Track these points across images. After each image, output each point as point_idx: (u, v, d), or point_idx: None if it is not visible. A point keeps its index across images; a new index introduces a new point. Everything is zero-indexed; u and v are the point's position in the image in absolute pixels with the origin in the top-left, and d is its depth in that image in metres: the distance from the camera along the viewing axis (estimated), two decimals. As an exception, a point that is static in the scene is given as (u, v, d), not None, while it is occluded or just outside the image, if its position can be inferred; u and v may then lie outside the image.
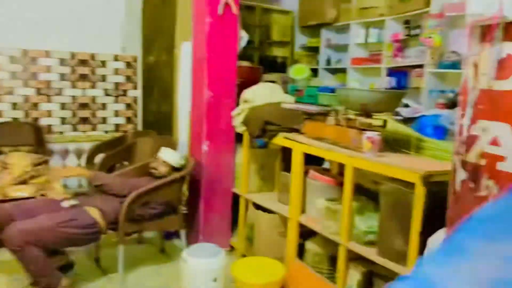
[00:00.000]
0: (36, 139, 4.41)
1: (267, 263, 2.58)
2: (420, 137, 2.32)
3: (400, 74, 4.70)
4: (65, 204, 2.66)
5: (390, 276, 2.05)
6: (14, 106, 4.54)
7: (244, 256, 3.07)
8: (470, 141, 1.21)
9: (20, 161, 3.20)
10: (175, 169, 3.01)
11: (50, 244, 2.45)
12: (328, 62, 5.83)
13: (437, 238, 1.61)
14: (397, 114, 3.13)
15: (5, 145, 4.20)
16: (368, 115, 2.26)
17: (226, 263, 2.58)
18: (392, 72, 4.80)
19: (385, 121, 2.29)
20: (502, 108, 1.12)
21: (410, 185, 1.90)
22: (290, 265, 2.57)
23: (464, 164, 1.23)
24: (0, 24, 4.36)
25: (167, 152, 3.08)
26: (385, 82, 4.81)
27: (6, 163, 3.21)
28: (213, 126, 3.20)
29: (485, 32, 1.15)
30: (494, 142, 1.15)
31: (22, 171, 3.15)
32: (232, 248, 3.31)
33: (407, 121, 3.01)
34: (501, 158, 1.13)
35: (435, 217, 1.79)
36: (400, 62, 4.66)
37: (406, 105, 3.40)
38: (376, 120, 2.27)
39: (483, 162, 1.18)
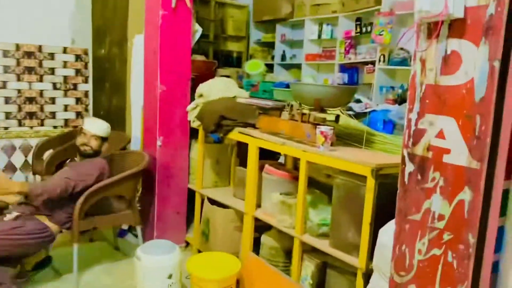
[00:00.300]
0: (-23, 135, 4.16)
1: (223, 258, 2.57)
2: (370, 131, 2.39)
3: (352, 70, 4.82)
4: (8, 217, 2.45)
5: (343, 267, 2.10)
6: (-50, 100, 4.26)
7: (199, 251, 3.04)
8: (418, 134, 1.25)
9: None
10: (103, 139, 2.84)
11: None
12: (283, 57, 5.87)
13: (387, 229, 1.66)
14: (349, 109, 3.20)
15: None
16: (321, 110, 2.30)
17: (181, 259, 2.55)
18: (344, 68, 4.91)
19: (337, 116, 2.34)
20: (448, 102, 1.17)
21: (362, 178, 1.95)
22: (245, 259, 2.58)
23: (412, 156, 1.27)
24: None
25: (93, 123, 2.85)
26: (337, 78, 4.91)
27: None
28: (167, 121, 3.15)
29: (432, 29, 1.20)
30: (440, 135, 1.20)
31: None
32: (187, 244, 3.28)
33: (358, 116, 3.09)
34: (447, 151, 1.18)
35: (385, 209, 1.85)
36: (352, 58, 4.77)
37: (358, 101, 3.49)
38: (329, 115, 2.31)
39: (430, 154, 1.22)
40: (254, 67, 4.58)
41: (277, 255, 2.53)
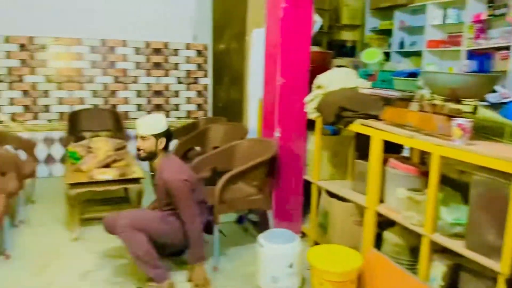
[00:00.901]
0: (115, 125, 4.64)
1: (344, 252, 2.54)
2: (510, 124, 2.16)
3: (482, 57, 4.40)
4: None
5: (480, 270, 1.94)
6: (94, 93, 4.80)
7: (316, 243, 3.04)
8: None
9: (103, 145, 3.38)
10: (158, 136, 2.59)
11: (154, 234, 2.53)
12: (401, 45, 5.58)
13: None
14: (483, 100, 2.93)
15: (87, 130, 4.47)
16: (457, 100, 2.13)
17: (302, 250, 2.57)
18: (472, 55, 4.50)
19: (475, 107, 2.15)
20: None
21: (506, 176, 1.77)
22: (367, 254, 2.52)
23: None
24: (81, 16, 4.61)
25: (140, 124, 2.61)
26: (465, 65, 4.52)
27: (90, 147, 3.40)
28: (285, 113, 3.18)
29: None
30: None
31: (105, 155, 3.32)
32: (303, 235, 3.30)
33: (493, 107, 2.81)
34: None
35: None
36: (482, 44, 4.35)
37: (493, 90, 3.17)
38: (466, 106, 2.13)
39: None
40: (371, 56, 4.42)
41: (401, 253, 2.43)
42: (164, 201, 2.63)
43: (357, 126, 2.67)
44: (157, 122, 2.62)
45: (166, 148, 2.65)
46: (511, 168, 1.72)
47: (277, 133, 3.22)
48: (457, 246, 2.01)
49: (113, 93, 4.79)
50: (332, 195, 2.95)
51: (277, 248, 2.52)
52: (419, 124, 2.28)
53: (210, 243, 2.92)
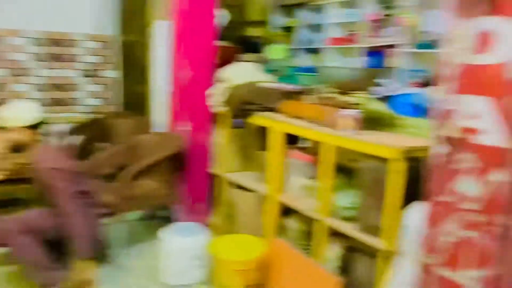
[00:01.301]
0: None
1: (247, 241, 2.60)
2: (395, 115, 2.36)
3: (377, 54, 4.74)
4: None
5: (369, 250, 2.10)
6: (-17, 87, 4.38)
7: (221, 234, 3.08)
8: (449, 115, 1.23)
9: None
10: (35, 124, 2.46)
11: (46, 233, 2.36)
12: (305, 42, 5.82)
13: (413, 211, 1.65)
14: (373, 93, 3.16)
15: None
16: (346, 93, 2.28)
17: (206, 242, 2.59)
18: (368, 52, 4.84)
19: (362, 99, 2.31)
20: (481, 82, 1.15)
21: (388, 161, 1.93)
22: (270, 242, 2.60)
23: (443, 138, 1.26)
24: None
25: (12, 116, 2.42)
26: (362, 62, 4.84)
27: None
28: (193, 106, 3.17)
29: (465, 7, 1.17)
30: (473, 116, 1.17)
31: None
32: (210, 227, 3.32)
33: (382, 99, 3.05)
34: (480, 131, 1.16)
35: (410, 192, 1.84)
36: (377, 42, 4.69)
37: (382, 84, 3.44)
38: (354, 98, 2.29)
39: (462, 135, 1.20)
40: (276, 52, 4.56)
41: (301, 238, 2.55)
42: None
43: (258, 119, 2.74)
44: (27, 112, 2.46)
45: (41, 137, 2.50)
46: (394, 154, 1.88)
47: (184, 127, 3.19)
48: (350, 229, 2.16)
49: (3, 86, 4.41)
50: (238, 187, 3.00)
51: (181, 241, 2.51)
52: (315, 115, 2.40)
53: (113, 240, 2.82)
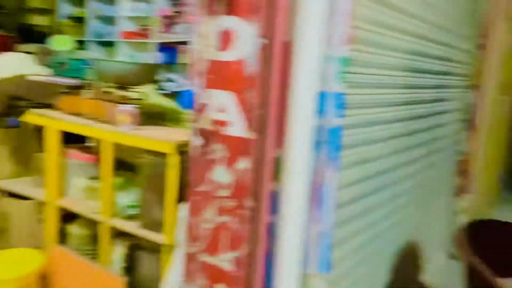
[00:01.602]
0: None
1: (23, 254, 2.31)
2: (179, 109, 2.41)
3: (170, 49, 4.79)
4: None
5: (154, 246, 2.09)
6: None
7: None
8: (202, 108, 1.29)
9: None
10: None
11: None
12: (97, 34, 5.50)
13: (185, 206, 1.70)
14: (162, 88, 3.18)
15: None
16: (125, 88, 2.22)
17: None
18: (163, 47, 4.85)
19: (142, 94, 2.28)
20: (226, 77, 1.23)
21: (167, 156, 1.95)
22: (51, 252, 2.37)
23: (198, 130, 1.31)
24: None
25: None
26: (156, 57, 4.82)
27: None
28: None
29: (208, 5, 1.23)
30: (221, 109, 1.25)
31: None
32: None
33: (172, 94, 3.10)
34: (227, 124, 1.24)
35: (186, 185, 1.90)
36: (169, 37, 4.74)
37: (172, 80, 3.49)
38: (134, 93, 2.24)
39: (213, 127, 1.27)
40: (61, 43, 4.18)
41: (86, 244, 2.39)
42: None
43: (31, 116, 2.46)
44: None
45: None
46: (168, 148, 1.90)
47: None
48: (133, 227, 2.11)
49: None
50: (13, 195, 2.64)
51: None
52: (93, 112, 2.27)
53: None
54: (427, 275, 2.83)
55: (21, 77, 2.60)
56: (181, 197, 1.89)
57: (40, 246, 2.47)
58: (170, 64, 4.61)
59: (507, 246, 1.96)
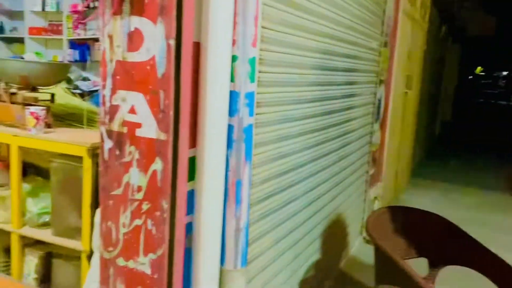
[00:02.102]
0: None
1: None
2: (93, 109, 2.31)
3: (83, 46, 4.57)
4: None
5: (69, 254, 2.01)
6: None
7: None
8: (112, 110, 1.26)
9: None
10: None
11: None
12: (2, 30, 5.11)
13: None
14: (75, 87, 3.03)
15: None
16: (32, 88, 2.09)
17: None
18: (75, 44, 4.62)
19: (52, 95, 2.17)
20: (136, 78, 1.21)
21: (79, 159, 1.87)
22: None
23: (109, 133, 1.28)
24: None
25: None
26: (68, 54, 4.58)
27: None
28: None
29: (115, 5, 1.20)
30: (132, 111, 1.23)
31: None
32: None
33: (86, 94, 2.96)
34: (139, 125, 1.23)
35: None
36: (81, 34, 4.52)
37: (86, 79, 3.33)
38: (43, 94, 2.12)
39: (125, 130, 1.25)
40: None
41: (-3, 256, 2.23)
42: None
43: None
44: None
45: None
46: (81, 152, 1.83)
47: None
48: (46, 235, 2.00)
49: None
50: None
51: None
52: (-2, 115, 2.12)
53: None
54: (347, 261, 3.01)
55: None
56: (98, 202, 1.83)
57: None
58: (83, 62, 4.41)
59: (410, 231, 2.14)
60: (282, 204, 1.80)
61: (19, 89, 2.09)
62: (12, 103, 2.09)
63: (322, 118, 2.15)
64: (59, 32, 4.68)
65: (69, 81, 2.90)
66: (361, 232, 3.36)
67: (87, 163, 1.82)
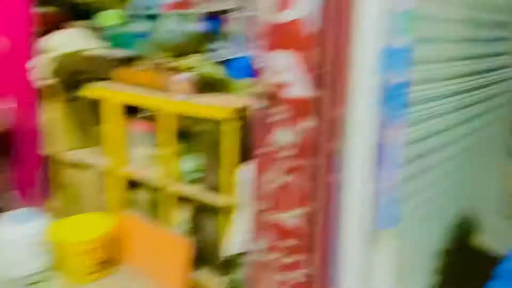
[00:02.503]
0: None
1: (91, 219, 2.48)
2: (229, 78, 2.44)
3: (214, 18, 4.77)
4: None
5: (216, 208, 2.18)
6: None
7: (63, 217, 2.89)
8: (263, 71, 1.31)
9: None
10: None
11: None
12: (140, 7, 5.57)
13: (247, 167, 1.75)
14: (209, 56, 3.21)
15: None
16: (179, 57, 2.27)
17: (46, 227, 2.40)
18: (206, 17, 4.84)
19: (195, 63, 2.33)
20: (286, 37, 1.24)
21: (224, 122, 2.00)
22: (118, 217, 2.52)
23: (261, 94, 1.34)
24: None
25: None
26: (199, 26, 4.83)
27: None
28: (14, 81, 2.82)
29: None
30: (282, 71, 1.27)
31: None
32: (49, 211, 3.07)
33: (219, 63, 3.12)
34: (289, 84, 1.26)
35: (247, 149, 1.95)
36: (213, 6, 4.72)
37: (217, 49, 3.51)
38: (187, 62, 2.29)
39: (276, 89, 1.30)
40: (109, 18, 4.28)
41: (150, 209, 2.52)
42: None
43: (91, 90, 2.57)
44: None
45: None
46: (226, 115, 1.95)
47: (6, 104, 2.84)
48: (195, 191, 2.20)
49: None
50: (78, 165, 2.81)
51: (18, 230, 2.28)
52: (149, 82, 2.35)
53: None
54: (483, 237, 2.79)
55: (80, 52, 2.71)
56: (241, 160, 1.95)
57: (107, 212, 2.63)
58: (216, 33, 4.61)
59: None
60: (432, 164, 1.72)
61: (169, 58, 2.29)
62: (161, 71, 2.30)
63: (470, 78, 1.98)
64: (192, 6, 4.95)
65: (204, 51, 3.07)
66: (501, 206, 3.08)
67: (232, 125, 1.94)
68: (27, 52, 2.84)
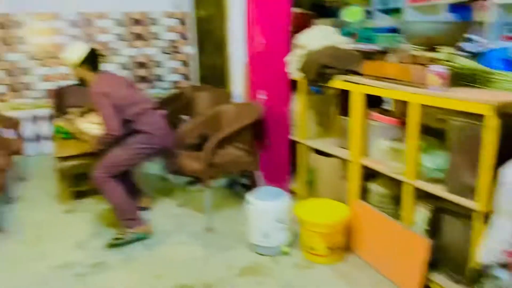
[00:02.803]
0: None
1: (331, 205, 2.62)
2: (488, 70, 2.20)
3: (462, 9, 4.38)
4: None
5: (459, 211, 2.02)
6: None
7: (304, 199, 3.13)
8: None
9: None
10: (84, 61, 2.78)
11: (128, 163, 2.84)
12: (382, 2, 5.54)
13: (510, 168, 1.56)
14: (460, 49, 2.96)
15: (74, 106, 4.41)
16: (432, 49, 2.16)
17: (290, 205, 2.65)
18: (454, 7, 4.48)
19: (449, 55, 2.18)
20: None
21: (481, 118, 1.82)
22: (353, 206, 2.60)
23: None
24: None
25: (64, 59, 2.86)
26: (446, 18, 4.51)
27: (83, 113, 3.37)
28: (269, 75, 3.20)
29: None
30: None
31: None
32: (291, 193, 3.37)
33: (471, 55, 2.85)
34: None
35: (505, 149, 1.73)
36: (462, -4, 4.33)
37: (470, 40, 3.20)
38: (440, 54, 2.16)
39: None
40: (353, 14, 4.39)
41: (386, 202, 2.51)
42: None
43: (338, 82, 2.70)
44: (73, 54, 2.80)
45: (95, 69, 2.84)
46: (486, 110, 1.78)
47: (261, 96, 3.24)
48: (438, 190, 2.08)
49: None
50: (319, 152, 3.01)
51: (265, 204, 2.59)
52: (398, 75, 2.31)
53: (203, 205, 2.98)
54: None
55: (330, 47, 2.88)
56: (499, 161, 1.74)
57: (343, 199, 2.73)
58: (468, 22, 4.23)
59: None
60: None
61: (420, 50, 2.21)
62: (413, 63, 2.23)
63: None
64: (437, -3, 4.66)
65: (459, 41, 2.85)
66: None
67: (492, 122, 1.75)
68: (284, 49, 3.17)
